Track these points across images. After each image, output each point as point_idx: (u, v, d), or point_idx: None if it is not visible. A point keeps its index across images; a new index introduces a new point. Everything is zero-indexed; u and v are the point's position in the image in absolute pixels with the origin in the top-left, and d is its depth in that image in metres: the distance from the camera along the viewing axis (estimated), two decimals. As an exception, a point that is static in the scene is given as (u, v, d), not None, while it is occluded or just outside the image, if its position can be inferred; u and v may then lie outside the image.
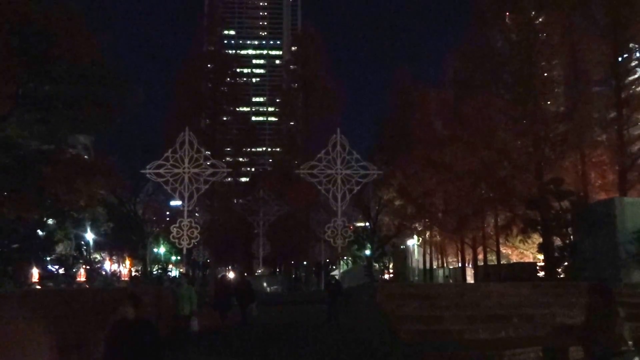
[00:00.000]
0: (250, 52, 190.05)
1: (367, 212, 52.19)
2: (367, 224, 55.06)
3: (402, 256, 66.06)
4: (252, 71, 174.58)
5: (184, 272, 33.09)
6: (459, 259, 52.37)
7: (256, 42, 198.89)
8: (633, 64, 33.26)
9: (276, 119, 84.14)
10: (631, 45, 32.84)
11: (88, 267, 58.29)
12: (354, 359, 13.78)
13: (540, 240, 32.15)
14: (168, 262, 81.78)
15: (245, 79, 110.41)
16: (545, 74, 34.63)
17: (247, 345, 16.15)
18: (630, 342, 7.28)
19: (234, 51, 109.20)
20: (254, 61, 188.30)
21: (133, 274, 73.58)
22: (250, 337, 17.68)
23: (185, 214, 27.68)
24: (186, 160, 27.39)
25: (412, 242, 61.63)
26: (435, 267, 62.13)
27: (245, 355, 14.44)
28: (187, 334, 15.51)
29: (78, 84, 25.75)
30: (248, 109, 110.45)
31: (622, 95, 31.62)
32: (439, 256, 64.11)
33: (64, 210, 35.93)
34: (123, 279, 70.27)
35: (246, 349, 15.41)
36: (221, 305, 19.64)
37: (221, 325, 19.30)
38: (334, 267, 55.18)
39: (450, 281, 53.32)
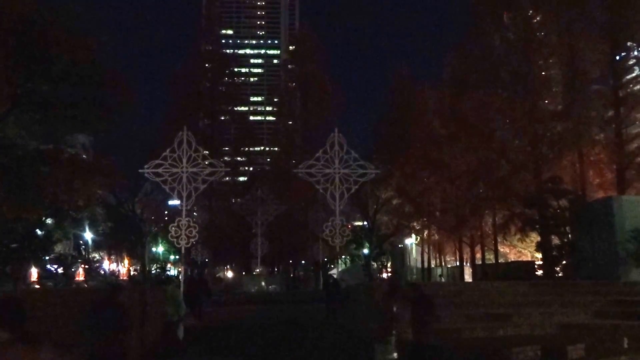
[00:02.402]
0: (248, 51, 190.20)
1: (365, 211, 52.12)
2: (365, 223, 54.98)
3: (400, 255, 66.17)
4: (250, 71, 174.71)
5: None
6: (457, 257, 52.41)
7: (254, 42, 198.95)
8: (631, 62, 33.21)
9: (274, 119, 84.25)
10: (629, 43, 32.83)
11: (87, 266, 58.41)
12: (353, 357, 13.80)
13: (539, 238, 32.16)
14: (166, 261, 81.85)
15: (243, 78, 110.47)
16: (543, 73, 34.60)
17: (243, 347, 16.13)
18: (393, 335, 8.58)
19: (232, 51, 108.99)
20: (252, 61, 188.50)
21: (131, 273, 73.72)
22: (248, 338, 17.68)
23: (184, 213, 27.57)
24: (184, 160, 27.30)
25: (410, 241, 61.71)
26: (433, 265, 62.17)
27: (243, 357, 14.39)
28: (173, 342, 14.27)
29: (76, 84, 25.74)
30: (246, 108, 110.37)
31: (619, 93, 31.61)
32: (437, 255, 64.12)
33: (63, 210, 35.94)
34: (122, 278, 70.38)
35: (243, 351, 15.35)
36: (190, 302, 19.68)
37: (198, 323, 19.36)
38: (332, 266, 55.21)
39: (442, 279, 53.42)
